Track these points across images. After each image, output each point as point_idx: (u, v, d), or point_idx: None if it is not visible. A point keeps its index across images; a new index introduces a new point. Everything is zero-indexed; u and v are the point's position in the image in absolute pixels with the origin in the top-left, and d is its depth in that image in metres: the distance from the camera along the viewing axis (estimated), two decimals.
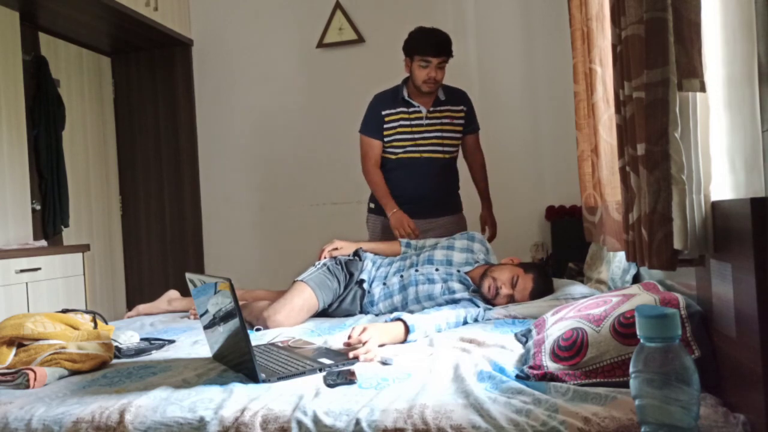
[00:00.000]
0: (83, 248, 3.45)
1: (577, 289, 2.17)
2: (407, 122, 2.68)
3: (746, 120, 1.00)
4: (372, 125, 2.73)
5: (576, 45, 2.31)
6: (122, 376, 1.50)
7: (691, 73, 1.04)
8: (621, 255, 2.11)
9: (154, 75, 4.28)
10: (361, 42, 3.89)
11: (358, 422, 1.11)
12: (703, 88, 1.05)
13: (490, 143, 3.74)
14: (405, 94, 2.71)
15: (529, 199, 3.66)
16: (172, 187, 4.26)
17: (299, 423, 1.14)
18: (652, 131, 1.07)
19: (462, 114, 2.77)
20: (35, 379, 1.43)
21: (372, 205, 2.87)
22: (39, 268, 3.09)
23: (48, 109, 3.62)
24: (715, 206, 1.08)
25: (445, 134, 2.72)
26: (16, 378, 1.44)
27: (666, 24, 1.04)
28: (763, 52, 0.95)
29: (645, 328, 0.90)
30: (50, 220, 3.60)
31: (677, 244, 1.05)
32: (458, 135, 2.77)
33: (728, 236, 1.01)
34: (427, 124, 2.69)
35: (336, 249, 2.43)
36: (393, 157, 2.73)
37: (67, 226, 3.72)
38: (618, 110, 1.32)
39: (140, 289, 4.29)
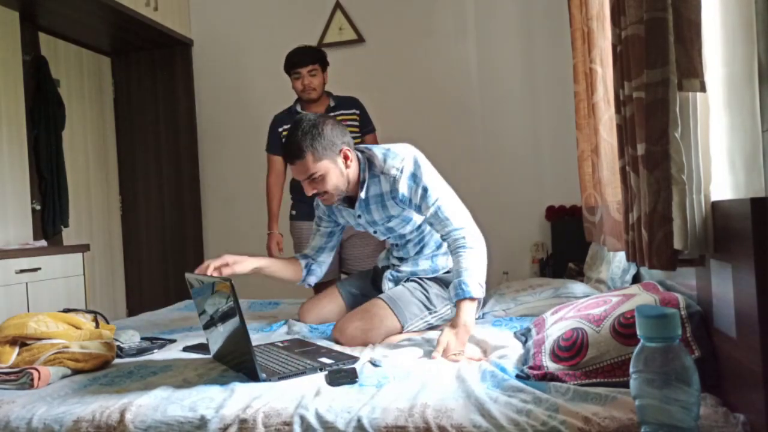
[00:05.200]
0: (83, 248, 3.45)
1: (577, 287, 2.17)
2: None
3: (746, 120, 1.00)
4: (272, 143, 2.92)
5: (576, 45, 2.31)
6: (123, 376, 1.50)
7: (691, 73, 1.04)
8: (621, 255, 2.11)
9: (154, 75, 4.28)
10: (361, 42, 3.89)
11: (359, 420, 1.11)
12: (703, 88, 1.05)
13: (490, 143, 3.75)
14: (298, 108, 2.91)
15: (529, 199, 3.66)
16: (172, 187, 4.26)
17: (302, 418, 1.14)
18: (653, 131, 1.07)
19: (355, 117, 2.93)
20: (39, 378, 1.43)
21: (294, 212, 2.98)
22: (39, 268, 3.09)
23: (48, 109, 3.62)
24: (715, 206, 1.08)
25: None
26: (20, 377, 1.44)
27: (666, 24, 1.04)
28: (763, 52, 0.95)
29: (645, 328, 0.91)
30: (50, 220, 3.60)
31: (677, 244, 1.05)
32: (355, 135, 2.89)
33: (728, 236, 1.02)
34: None
35: (227, 265, 1.86)
36: None
37: (67, 226, 3.72)
38: (618, 110, 1.32)
39: (140, 289, 4.29)
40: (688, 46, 1.04)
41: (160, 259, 4.27)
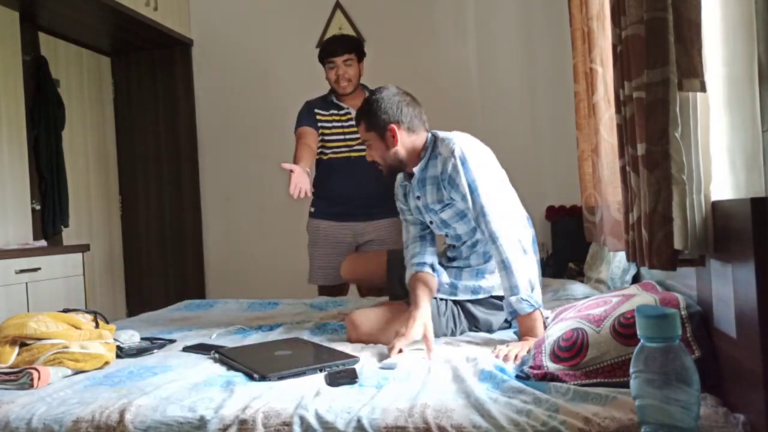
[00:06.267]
0: (83, 248, 3.45)
1: (578, 288, 2.17)
2: (339, 124, 2.72)
3: (746, 120, 1.00)
4: (304, 118, 2.72)
5: (576, 45, 2.31)
6: (123, 376, 1.50)
7: (692, 72, 1.04)
8: (621, 255, 2.11)
9: (154, 75, 4.28)
10: (361, 42, 3.89)
11: (359, 420, 1.11)
12: (703, 88, 1.05)
13: (490, 143, 3.74)
14: (333, 98, 2.76)
15: (529, 199, 3.64)
16: (172, 187, 4.26)
17: (301, 419, 1.14)
18: (653, 131, 1.07)
19: None
20: (39, 379, 1.43)
21: (313, 209, 2.81)
22: (39, 268, 3.09)
23: (48, 109, 3.62)
24: (716, 206, 1.08)
25: None
26: (20, 377, 1.44)
27: (666, 24, 1.04)
28: (763, 52, 0.95)
29: (645, 328, 0.91)
30: (50, 220, 3.60)
31: (677, 244, 1.05)
32: None
33: (728, 236, 1.02)
34: None
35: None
36: (325, 158, 2.74)
37: (67, 226, 3.72)
38: (618, 110, 1.32)
39: (140, 289, 4.28)
40: (688, 45, 1.04)
41: (160, 259, 4.27)
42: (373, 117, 1.91)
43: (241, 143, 4.14)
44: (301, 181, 2.33)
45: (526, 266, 1.75)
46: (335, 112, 2.74)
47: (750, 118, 0.99)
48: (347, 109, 2.72)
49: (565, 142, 3.36)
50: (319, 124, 2.71)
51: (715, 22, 1.12)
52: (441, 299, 1.92)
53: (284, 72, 4.02)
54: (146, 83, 4.29)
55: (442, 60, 3.77)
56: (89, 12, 3.53)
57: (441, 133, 1.96)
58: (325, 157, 2.74)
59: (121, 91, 4.34)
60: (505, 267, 1.73)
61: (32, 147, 3.54)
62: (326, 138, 2.72)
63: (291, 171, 2.34)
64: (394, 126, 1.91)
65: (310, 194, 2.37)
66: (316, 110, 2.73)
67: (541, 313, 1.72)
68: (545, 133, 3.66)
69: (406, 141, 1.93)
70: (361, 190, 2.70)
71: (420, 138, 1.95)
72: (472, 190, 1.81)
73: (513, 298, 1.70)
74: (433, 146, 1.94)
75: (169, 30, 3.97)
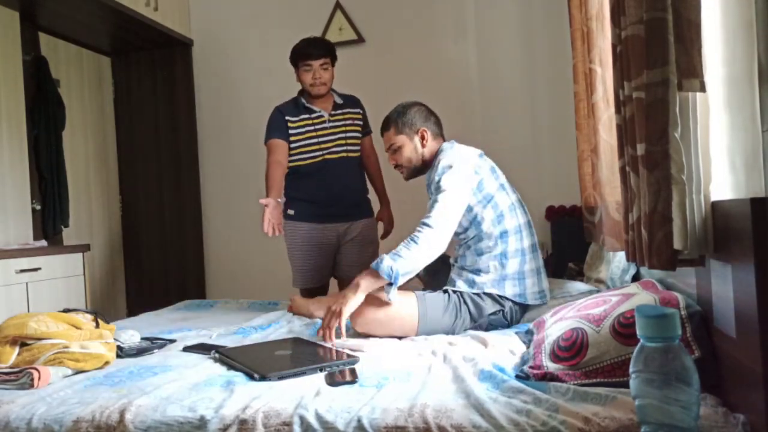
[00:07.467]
0: (83, 248, 3.45)
1: (576, 286, 2.18)
2: (312, 127, 2.72)
3: (746, 120, 1.00)
4: (275, 129, 2.72)
5: (576, 45, 2.31)
6: (123, 376, 1.50)
7: (691, 73, 1.04)
8: (621, 255, 2.11)
9: (154, 75, 4.27)
10: (361, 42, 3.88)
11: (359, 420, 1.11)
12: (703, 88, 1.05)
13: (490, 143, 3.74)
14: (303, 100, 2.76)
15: (529, 199, 3.63)
16: (172, 187, 4.25)
17: (301, 419, 1.14)
18: (652, 131, 1.07)
19: (360, 116, 2.86)
20: (39, 378, 1.43)
21: (291, 212, 2.76)
22: (39, 268, 3.09)
23: (48, 109, 3.62)
24: (715, 206, 1.08)
25: (348, 134, 2.77)
26: (20, 377, 1.44)
27: (666, 24, 1.04)
28: (763, 52, 0.95)
29: (645, 328, 0.91)
30: (50, 220, 3.60)
31: (677, 244, 1.05)
32: (359, 135, 2.83)
33: (728, 236, 1.02)
34: (331, 127, 2.74)
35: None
36: (302, 163, 2.72)
37: (67, 226, 3.72)
38: (618, 110, 1.32)
39: (140, 289, 4.28)
40: (688, 46, 1.04)
41: (160, 259, 4.26)
42: (407, 120, 2.18)
43: (242, 143, 4.13)
44: (274, 216, 2.43)
45: (419, 258, 1.89)
46: (306, 116, 2.73)
47: (750, 118, 0.99)
48: (319, 112, 2.73)
49: (564, 142, 3.36)
50: (290, 131, 2.70)
51: (715, 23, 1.12)
52: (444, 291, 2.02)
53: (284, 72, 4.01)
54: (146, 83, 4.29)
55: (442, 60, 3.77)
56: (89, 12, 3.53)
57: (446, 144, 2.18)
58: (301, 164, 2.72)
59: (121, 91, 4.33)
60: (411, 240, 1.90)
61: (32, 147, 3.53)
62: (300, 143, 2.70)
63: (265, 206, 2.41)
64: (425, 130, 2.18)
65: (282, 232, 2.49)
66: (288, 118, 2.72)
67: (377, 283, 1.87)
68: (545, 133, 3.66)
69: (430, 145, 2.20)
70: (341, 191, 2.73)
71: (437, 146, 2.20)
72: (438, 187, 2.00)
73: (391, 262, 1.84)
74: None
75: (169, 30, 3.97)
